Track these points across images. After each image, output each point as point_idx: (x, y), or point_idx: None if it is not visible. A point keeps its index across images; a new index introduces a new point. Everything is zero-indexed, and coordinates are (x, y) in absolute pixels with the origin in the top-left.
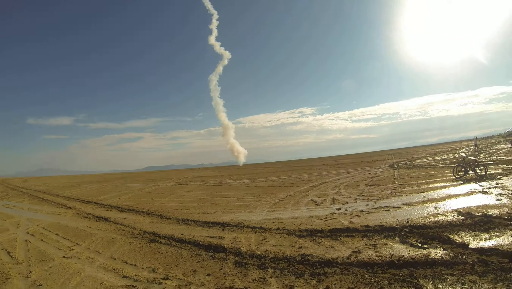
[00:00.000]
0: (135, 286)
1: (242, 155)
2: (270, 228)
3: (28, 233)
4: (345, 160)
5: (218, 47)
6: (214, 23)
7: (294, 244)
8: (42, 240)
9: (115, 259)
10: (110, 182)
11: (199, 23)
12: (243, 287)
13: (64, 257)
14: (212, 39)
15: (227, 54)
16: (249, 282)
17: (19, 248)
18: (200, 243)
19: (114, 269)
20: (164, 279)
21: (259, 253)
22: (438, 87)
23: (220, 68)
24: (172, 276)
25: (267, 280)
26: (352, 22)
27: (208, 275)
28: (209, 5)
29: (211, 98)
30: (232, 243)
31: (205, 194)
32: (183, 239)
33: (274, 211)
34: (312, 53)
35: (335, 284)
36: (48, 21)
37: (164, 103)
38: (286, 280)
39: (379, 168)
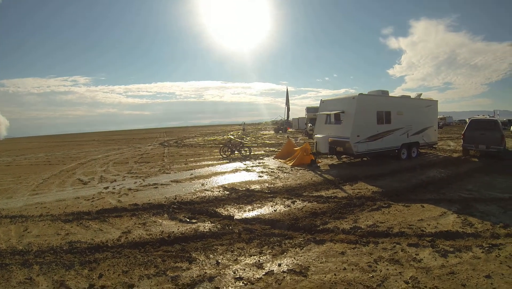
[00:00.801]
0: None
1: (3, 126)
2: (33, 215)
3: None
4: (117, 136)
5: None
6: None
7: (60, 231)
8: None
9: None
10: None
11: None
12: None
13: None
14: None
15: None
16: (14, 287)
17: None
18: None
19: None
20: None
21: (21, 248)
22: (215, 74)
23: None
24: None
25: (34, 279)
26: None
27: None
28: None
29: None
30: None
31: None
32: None
33: (36, 194)
34: (112, 25)
35: (108, 270)
36: None
37: None
38: (55, 275)
39: (149, 146)
